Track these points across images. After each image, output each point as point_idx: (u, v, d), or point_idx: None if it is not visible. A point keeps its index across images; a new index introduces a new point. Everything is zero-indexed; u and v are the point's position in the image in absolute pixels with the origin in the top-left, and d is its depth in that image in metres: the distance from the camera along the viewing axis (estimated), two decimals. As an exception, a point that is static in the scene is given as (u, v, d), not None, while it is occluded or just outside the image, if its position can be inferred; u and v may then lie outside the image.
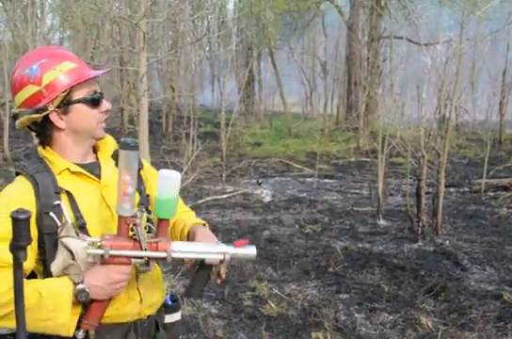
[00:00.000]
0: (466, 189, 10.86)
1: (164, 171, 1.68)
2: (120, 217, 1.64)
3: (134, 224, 1.64)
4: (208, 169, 11.25)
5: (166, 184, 1.66)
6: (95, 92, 1.82)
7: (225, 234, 6.96)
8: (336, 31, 26.59)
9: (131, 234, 1.67)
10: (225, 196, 9.25)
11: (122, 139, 1.62)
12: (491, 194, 10.56)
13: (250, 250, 1.78)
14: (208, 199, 8.93)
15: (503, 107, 19.12)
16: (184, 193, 9.22)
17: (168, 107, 19.92)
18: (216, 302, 4.98)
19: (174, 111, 19.75)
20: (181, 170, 9.44)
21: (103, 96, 1.85)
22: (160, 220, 1.72)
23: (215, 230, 7.09)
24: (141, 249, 1.65)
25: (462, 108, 18.27)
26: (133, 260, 1.66)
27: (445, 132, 7.44)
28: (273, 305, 4.88)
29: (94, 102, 1.81)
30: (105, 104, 1.85)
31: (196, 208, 8.40)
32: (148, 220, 1.78)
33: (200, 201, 8.76)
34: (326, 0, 22.79)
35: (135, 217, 1.63)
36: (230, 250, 1.75)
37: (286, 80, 26.48)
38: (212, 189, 9.95)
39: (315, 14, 24.18)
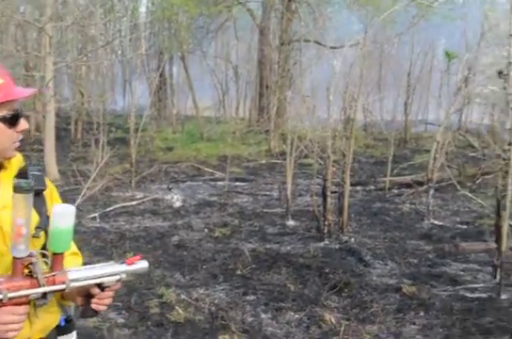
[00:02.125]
0: (372, 187, 11.26)
1: (57, 206, 1.67)
2: (15, 258, 1.60)
3: (30, 263, 1.61)
4: (117, 176, 11.08)
5: (59, 218, 1.65)
6: (15, 111, 1.71)
7: (133, 241, 6.89)
8: (248, 35, 26.86)
9: (26, 271, 1.63)
10: (134, 203, 9.14)
11: (16, 182, 1.56)
12: (395, 191, 10.99)
13: (142, 265, 1.82)
14: (116, 206, 8.80)
15: (407, 108, 19.92)
16: (93, 201, 9.06)
17: (77, 113, 19.47)
18: (123, 312, 4.92)
19: (84, 117, 19.31)
20: (88, 178, 9.27)
21: (21, 114, 1.75)
22: (55, 254, 1.69)
23: (122, 238, 7.05)
24: (39, 285, 1.62)
25: (367, 109, 18.93)
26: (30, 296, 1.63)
27: (350, 133, 7.66)
28: (180, 311, 4.87)
29: (12, 121, 1.71)
30: (23, 124, 1.74)
31: (104, 216, 8.28)
32: (43, 256, 1.73)
33: (109, 209, 8.62)
34: (238, 4, 22.94)
35: (31, 256, 1.60)
36: (124, 269, 1.77)
37: (199, 84, 26.45)
38: (121, 196, 9.81)
39: (227, 18, 24.31)
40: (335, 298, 5.22)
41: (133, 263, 1.81)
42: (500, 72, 5.32)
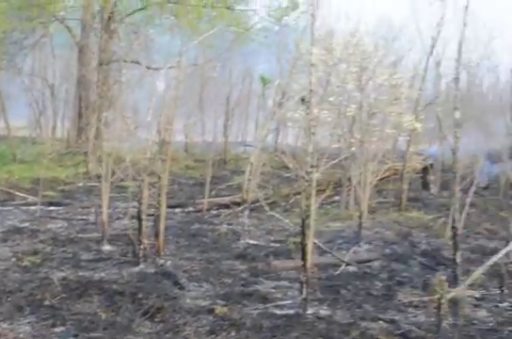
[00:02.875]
0: (191, 209, 11.36)
1: None
2: None
3: None
4: None
5: None
6: None
7: None
8: (68, 52, 25.98)
9: None
10: None
11: None
12: (214, 212, 11.22)
13: None
14: None
15: (226, 130, 20.47)
16: None
17: None
18: None
19: None
20: None
21: None
22: None
23: None
24: None
25: (187, 131, 19.15)
26: None
27: (166, 155, 7.65)
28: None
29: None
30: None
31: None
32: None
33: None
34: (54, 20, 22.13)
35: None
36: None
37: (13, 102, 25.03)
38: None
39: (43, 34, 23.33)
40: (148, 324, 5.13)
41: None
42: (302, 99, 5.66)
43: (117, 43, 20.69)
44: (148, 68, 12.01)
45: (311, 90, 5.75)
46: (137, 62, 18.32)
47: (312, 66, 5.98)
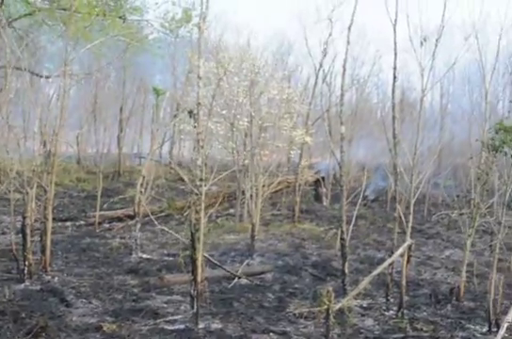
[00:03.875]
0: (82, 222, 11.01)
1: None
2: None
3: None
4: None
5: None
6: None
7: None
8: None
9: None
10: None
11: None
12: (106, 226, 10.92)
13: None
14: None
15: (120, 141, 20.08)
16: None
17: None
18: None
19: None
20: None
21: None
22: None
23: None
24: None
25: (78, 142, 18.58)
26: None
27: (52, 167, 7.36)
28: None
29: None
30: None
31: None
32: None
33: None
34: None
35: None
36: None
37: None
38: None
39: None
40: (30, 344, 4.89)
41: None
42: (190, 112, 5.62)
43: (2, 49, 19.75)
44: (35, 75, 11.57)
45: (198, 103, 5.72)
46: (24, 69, 17.58)
47: (200, 79, 5.95)
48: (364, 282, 6.10)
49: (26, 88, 9.13)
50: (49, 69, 22.32)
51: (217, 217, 12.25)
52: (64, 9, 18.45)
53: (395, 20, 6.65)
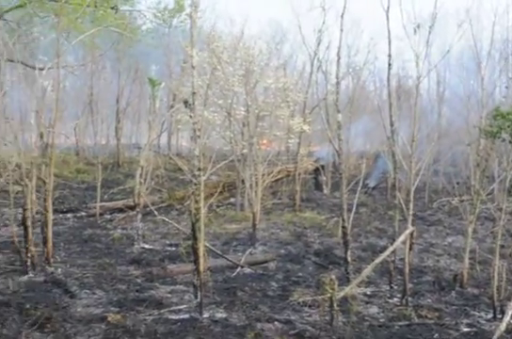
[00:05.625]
0: (83, 214, 11.00)
1: None
2: None
3: None
4: None
5: None
6: None
7: None
8: None
9: None
10: None
11: None
12: (108, 217, 10.92)
13: None
14: None
15: (118, 132, 20.02)
16: None
17: None
18: None
19: None
20: None
21: None
22: None
23: None
24: None
25: (77, 133, 18.54)
26: None
27: (50, 159, 7.32)
28: None
29: None
30: None
31: None
32: None
33: None
34: None
35: None
36: None
37: None
38: None
39: None
40: (37, 335, 4.91)
41: None
42: (185, 102, 5.58)
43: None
44: (29, 67, 11.49)
45: (194, 93, 5.67)
46: (17, 61, 17.45)
47: (194, 68, 5.90)
48: (367, 270, 6.14)
49: (20, 81, 9.09)
50: (43, 61, 22.20)
51: (218, 206, 12.25)
52: (55, 1, 18.34)
53: (388, 7, 6.65)
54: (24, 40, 19.15)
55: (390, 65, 6.88)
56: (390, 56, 6.82)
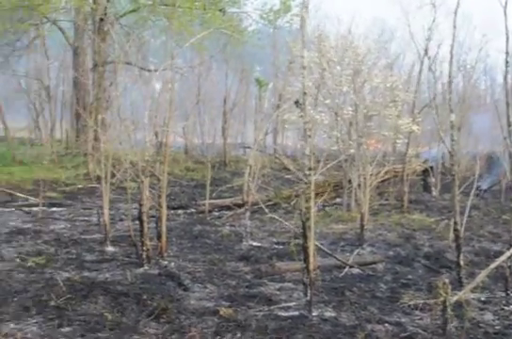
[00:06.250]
0: (193, 210, 11.34)
1: None
2: None
3: None
4: None
5: None
6: None
7: None
8: (62, 54, 25.90)
9: None
10: None
11: None
12: (216, 214, 11.19)
13: None
14: None
15: (225, 131, 20.46)
16: None
17: None
18: None
19: None
20: None
21: None
22: None
23: None
24: None
25: (185, 132, 19.09)
26: None
27: (164, 157, 7.62)
28: (-15, 349, 4.49)
29: None
30: None
31: None
32: None
33: None
34: (46, 22, 22.02)
35: None
36: None
37: (11, 104, 24.96)
38: None
39: (36, 36, 23.23)
40: (154, 325, 5.12)
41: None
42: (296, 102, 5.63)
43: (111, 45, 20.61)
44: (143, 69, 11.98)
45: (304, 93, 5.71)
46: (132, 64, 18.28)
47: (304, 69, 5.95)
48: (482, 275, 5.90)
49: (135, 82, 9.53)
50: (153, 63, 23.09)
51: (324, 206, 12.23)
52: (166, 5, 19.05)
53: (506, 2, 6.38)
54: (136, 43, 19.99)
55: (507, 63, 6.61)
56: (507, 53, 6.55)
